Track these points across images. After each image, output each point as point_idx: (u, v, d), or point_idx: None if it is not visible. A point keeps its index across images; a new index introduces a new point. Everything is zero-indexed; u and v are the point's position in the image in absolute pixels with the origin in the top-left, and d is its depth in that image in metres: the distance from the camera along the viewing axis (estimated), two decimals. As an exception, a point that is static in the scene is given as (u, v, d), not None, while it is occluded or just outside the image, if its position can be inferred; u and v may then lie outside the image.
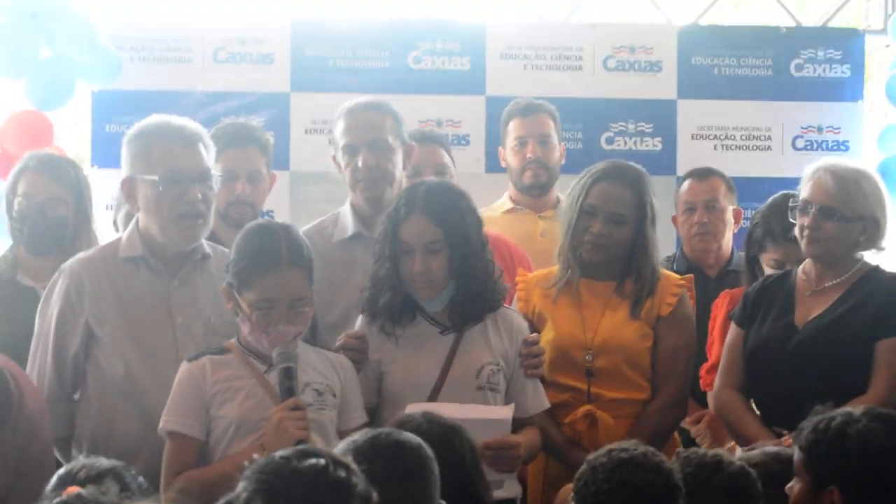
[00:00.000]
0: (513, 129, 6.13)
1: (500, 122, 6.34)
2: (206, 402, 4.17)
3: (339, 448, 3.14)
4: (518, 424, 4.48)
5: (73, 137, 7.73)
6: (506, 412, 4.41)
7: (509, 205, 6.14)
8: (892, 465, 3.23)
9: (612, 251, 4.91)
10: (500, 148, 6.33)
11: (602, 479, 3.29)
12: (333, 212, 5.22)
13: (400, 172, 5.07)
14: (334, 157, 5.14)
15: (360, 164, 4.99)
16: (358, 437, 3.17)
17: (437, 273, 4.45)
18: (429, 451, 3.15)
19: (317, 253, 4.51)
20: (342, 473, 2.49)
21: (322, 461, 2.49)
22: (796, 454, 3.53)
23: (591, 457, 3.42)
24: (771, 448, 4.02)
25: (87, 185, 5.31)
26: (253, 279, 4.12)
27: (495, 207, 6.11)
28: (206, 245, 4.66)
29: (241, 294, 4.16)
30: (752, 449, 4.14)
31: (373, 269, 4.58)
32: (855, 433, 3.45)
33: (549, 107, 6.20)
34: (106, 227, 5.74)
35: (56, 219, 5.05)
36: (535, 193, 6.12)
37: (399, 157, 5.09)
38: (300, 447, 2.71)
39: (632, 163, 5.16)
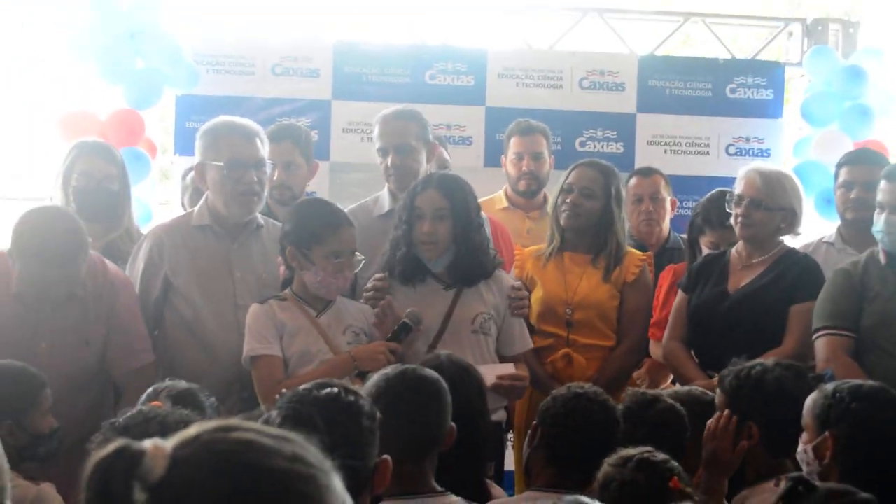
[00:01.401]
0: (513, 145, 6.08)
1: (497, 128, 6.36)
2: (280, 331, 4.19)
3: (374, 378, 3.18)
4: (509, 361, 4.57)
5: (160, 132, 7.68)
6: (508, 366, 4.51)
7: (505, 203, 6.10)
8: (798, 404, 3.18)
9: (583, 219, 5.00)
10: (502, 157, 6.26)
11: (559, 405, 3.36)
12: (375, 194, 5.22)
13: (424, 167, 5.05)
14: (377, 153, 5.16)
15: (389, 163, 5.01)
16: (389, 370, 3.23)
17: (442, 236, 4.49)
18: (444, 384, 3.17)
19: (359, 224, 4.60)
20: (351, 398, 2.56)
21: (335, 390, 2.57)
22: (718, 396, 3.51)
23: (555, 390, 3.51)
24: (698, 388, 4.02)
25: (126, 170, 5.22)
26: (326, 236, 4.20)
27: (494, 201, 6.07)
28: (260, 217, 4.69)
29: (311, 249, 4.19)
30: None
31: (392, 234, 4.60)
32: (771, 378, 3.44)
33: (544, 127, 6.15)
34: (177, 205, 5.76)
35: (109, 192, 4.99)
36: (527, 196, 6.09)
37: (423, 156, 5.08)
38: (322, 380, 2.70)
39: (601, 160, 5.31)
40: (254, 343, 4.17)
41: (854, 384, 3.12)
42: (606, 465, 2.94)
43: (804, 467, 3.00)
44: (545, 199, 6.00)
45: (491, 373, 4.22)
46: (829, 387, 3.13)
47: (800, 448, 3.11)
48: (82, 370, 4.31)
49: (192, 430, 1.44)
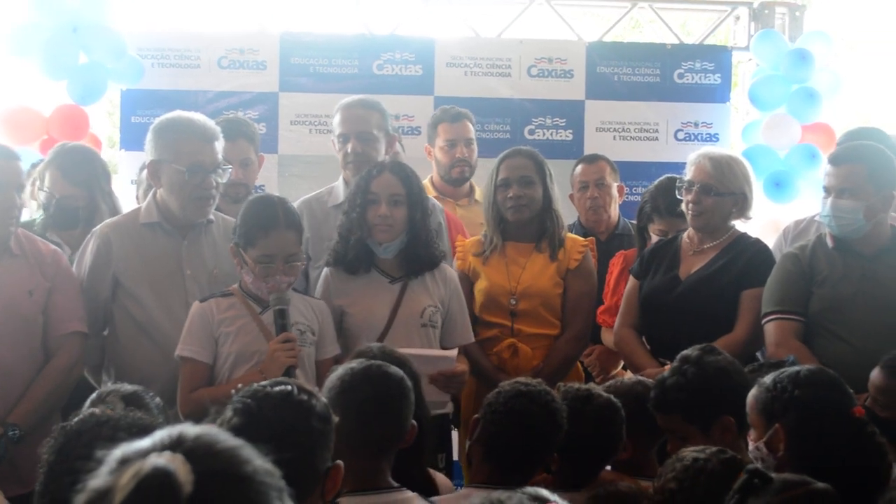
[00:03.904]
0: (442, 132, 6.02)
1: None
2: (214, 334, 4.16)
3: (337, 372, 3.19)
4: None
5: (108, 126, 7.63)
6: (451, 353, 4.46)
7: (433, 192, 5.93)
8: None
9: (531, 208, 4.99)
10: (426, 145, 6.22)
11: (502, 402, 3.32)
12: (329, 185, 5.22)
13: (382, 157, 5.03)
14: (333, 142, 5.14)
15: (349, 150, 5.03)
16: (355, 364, 3.21)
17: (397, 221, 4.50)
18: (408, 382, 3.16)
19: (313, 216, 4.71)
20: (304, 397, 2.51)
21: (289, 388, 2.52)
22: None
23: (501, 384, 3.45)
24: (632, 378, 4.03)
25: (98, 177, 5.16)
26: (257, 239, 4.14)
27: None
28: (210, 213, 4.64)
29: (245, 251, 4.17)
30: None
31: (342, 221, 4.60)
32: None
33: (469, 113, 6.13)
34: (129, 200, 5.70)
35: (70, 210, 4.97)
36: (458, 184, 6.06)
37: (382, 146, 5.10)
38: (281, 377, 2.70)
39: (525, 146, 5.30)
40: (184, 344, 4.17)
41: (791, 372, 3.10)
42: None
43: (759, 464, 2.94)
44: (471, 188, 6.04)
45: (425, 364, 4.08)
46: (768, 380, 3.10)
47: (751, 447, 3.09)
48: (24, 318, 4.29)
49: (171, 439, 1.50)
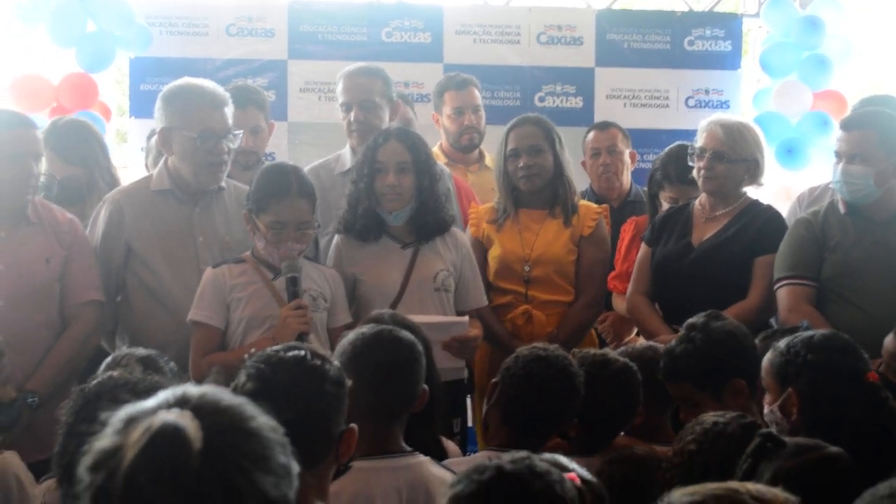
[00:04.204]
0: (449, 100, 6.00)
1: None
2: (226, 299, 4.19)
3: (349, 338, 3.21)
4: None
5: (118, 94, 7.64)
6: (462, 320, 4.47)
7: (443, 159, 5.93)
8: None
9: (543, 176, 4.99)
10: (433, 113, 6.21)
11: (520, 366, 3.33)
12: (336, 152, 5.23)
13: (386, 125, 5.02)
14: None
15: (352, 118, 5.04)
16: (366, 329, 3.21)
17: (405, 189, 4.51)
18: (419, 347, 3.18)
19: (321, 183, 4.67)
20: (317, 362, 2.51)
21: (302, 353, 2.53)
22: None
23: (519, 349, 3.45)
24: (643, 343, 4.07)
25: (95, 153, 5.18)
26: (269, 205, 4.16)
27: None
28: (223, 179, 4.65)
29: (258, 217, 4.19)
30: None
31: (350, 189, 4.61)
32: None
33: (475, 80, 6.11)
34: (139, 167, 5.71)
35: (75, 187, 5.00)
36: (468, 151, 6.06)
37: (386, 113, 5.11)
38: (295, 342, 2.71)
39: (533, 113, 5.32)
40: (196, 309, 4.20)
41: (805, 336, 3.10)
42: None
43: (773, 428, 2.92)
44: (481, 154, 6.05)
45: (437, 331, 4.10)
46: (782, 344, 3.11)
47: (766, 410, 3.10)
48: (41, 286, 4.32)
49: (175, 397, 1.53)
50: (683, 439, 2.81)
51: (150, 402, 1.52)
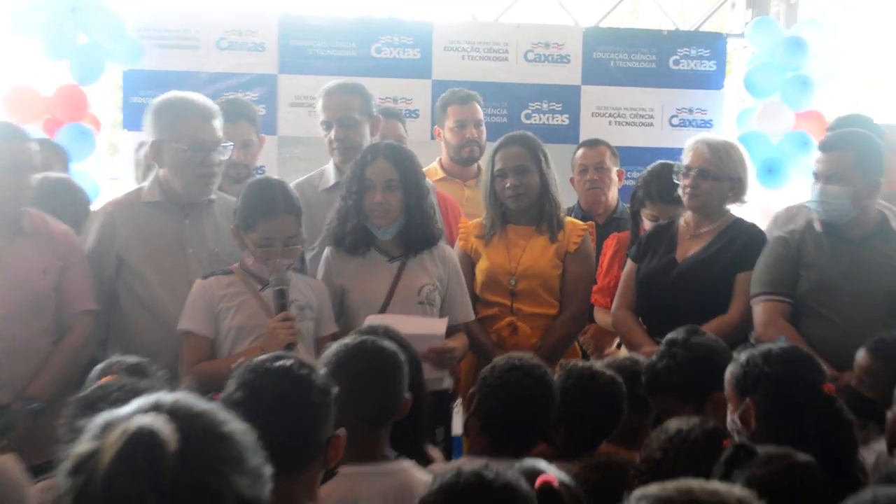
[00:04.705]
0: (452, 114, 6.10)
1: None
2: (215, 309, 4.25)
3: (333, 348, 3.25)
4: (452, 331, 4.62)
5: (111, 107, 7.69)
6: (440, 326, 4.52)
7: (441, 173, 6.13)
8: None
9: (530, 195, 5.08)
10: (435, 127, 6.31)
11: (496, 375, 3.40)
12: (320, 168, 5.28)
13: (367, 140, 5.09)
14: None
15: (333, 136, 5.10)
16: (349, 340, 3.29)
17: (393, 206, 4.56)
18: (402, 356, 3.24)
19: (306, 199, 4.68)
20: (304, 371, 2.57)
21: (289, 363, 2.58)
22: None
23: (495, 359, 3.53)
24: (625, 355, 4.20)
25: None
26: (257, 222, 4.23)
27: (430, 172, 6.02)
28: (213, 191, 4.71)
29: (246, 233, 4.27)
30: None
31: (339, 205, 4.67)
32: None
33: (478, 95, 6.20)
34: (130, 179, 5.73)
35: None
36: (468, 164, 6.15)
37: (366, 129, 5.16)
38: (283, 352, 2.78)
39: (520, 130, 5.37)
40: (186, 319, 4.27)
41: (764, 349, 3.20)
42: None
43: (735, 437, 3.03)
44: (479, 169, 6.11)
45: (414, 343, 4.04)
46: (743, 356, 3.21)
47: (728, 419, 3.19)
48: (38, 296, 4.39)
49: (150, 403, 1.61)
50: (650, 446, 2.91)
51: (126, 408, 1.58)
